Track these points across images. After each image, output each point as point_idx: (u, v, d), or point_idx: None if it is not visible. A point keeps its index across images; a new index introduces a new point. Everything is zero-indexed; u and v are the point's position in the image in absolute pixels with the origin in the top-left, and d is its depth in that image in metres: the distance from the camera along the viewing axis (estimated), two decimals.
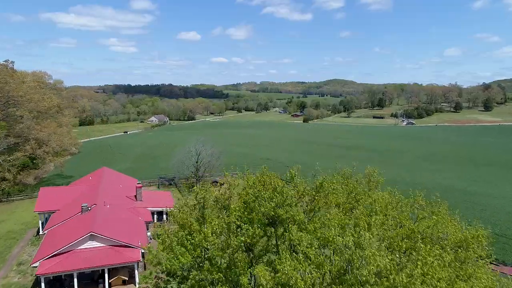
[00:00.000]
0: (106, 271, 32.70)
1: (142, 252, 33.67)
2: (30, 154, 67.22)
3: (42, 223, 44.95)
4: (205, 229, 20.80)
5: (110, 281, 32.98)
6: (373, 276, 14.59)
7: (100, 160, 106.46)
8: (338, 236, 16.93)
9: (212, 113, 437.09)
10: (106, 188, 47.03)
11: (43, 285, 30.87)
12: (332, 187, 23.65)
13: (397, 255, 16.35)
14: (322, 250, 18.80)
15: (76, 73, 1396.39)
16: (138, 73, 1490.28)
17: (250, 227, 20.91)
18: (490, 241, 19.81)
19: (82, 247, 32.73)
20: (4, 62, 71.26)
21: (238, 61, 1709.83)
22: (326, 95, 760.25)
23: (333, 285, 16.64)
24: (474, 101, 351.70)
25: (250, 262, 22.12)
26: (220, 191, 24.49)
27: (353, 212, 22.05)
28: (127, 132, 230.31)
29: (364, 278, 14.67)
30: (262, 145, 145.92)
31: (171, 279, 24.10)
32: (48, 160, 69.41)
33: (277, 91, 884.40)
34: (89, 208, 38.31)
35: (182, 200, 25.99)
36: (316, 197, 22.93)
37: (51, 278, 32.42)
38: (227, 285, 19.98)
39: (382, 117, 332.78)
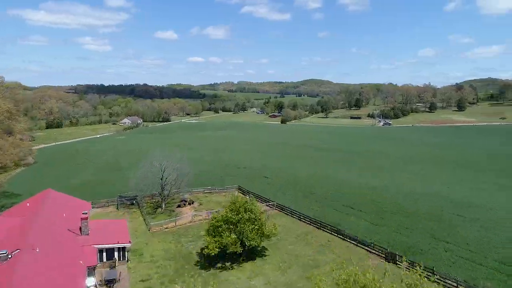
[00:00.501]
0: None
1: None
2: None
3: None
4: None
5: None
6: None
7: (59, 171, 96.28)
8: None
9: (188, 114, 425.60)
10: (43, 221, 38.62)
11: None
12: None
13: None
14: None
15: (47, 71, 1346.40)
16: (112, 72, 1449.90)
17: None
18: None
19: None
20: None
21: (216, 61, 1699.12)
22: (303, 95, 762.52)
23: None
24: (448, 101, 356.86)
25: None
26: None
27: None
28: (98, 135, 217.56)
29: None
30: (239, 149, 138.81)
31: None
32: None
33: (255, 91, 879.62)
34: (9, 256, 29.98)
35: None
36: None
37: None
38: None
39: (359, 118, 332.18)
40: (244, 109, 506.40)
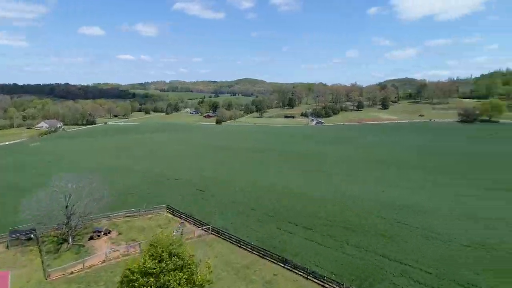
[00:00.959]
0: None
1: None
2: None
3: None
4: None
5: None
6: None
7: None
8: None
9: (116, 116, 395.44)
10: None
11: None
12: None
13: None
14: None
15: None
16: (29, 71, 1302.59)
17: None
18: None
19: None
20: None
21: (147, 59, 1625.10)
22: (238, 94, 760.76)
23: None
24: (373, 100, 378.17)
25: None
26: None
27: None
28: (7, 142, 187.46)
29: None
30: (171, 155, 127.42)
31: None
32: None
33: (188, 90, 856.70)
34: None
35: None
36: None
37: None
38: None
39: (293, 117, 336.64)
40: (177, 109, 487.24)
